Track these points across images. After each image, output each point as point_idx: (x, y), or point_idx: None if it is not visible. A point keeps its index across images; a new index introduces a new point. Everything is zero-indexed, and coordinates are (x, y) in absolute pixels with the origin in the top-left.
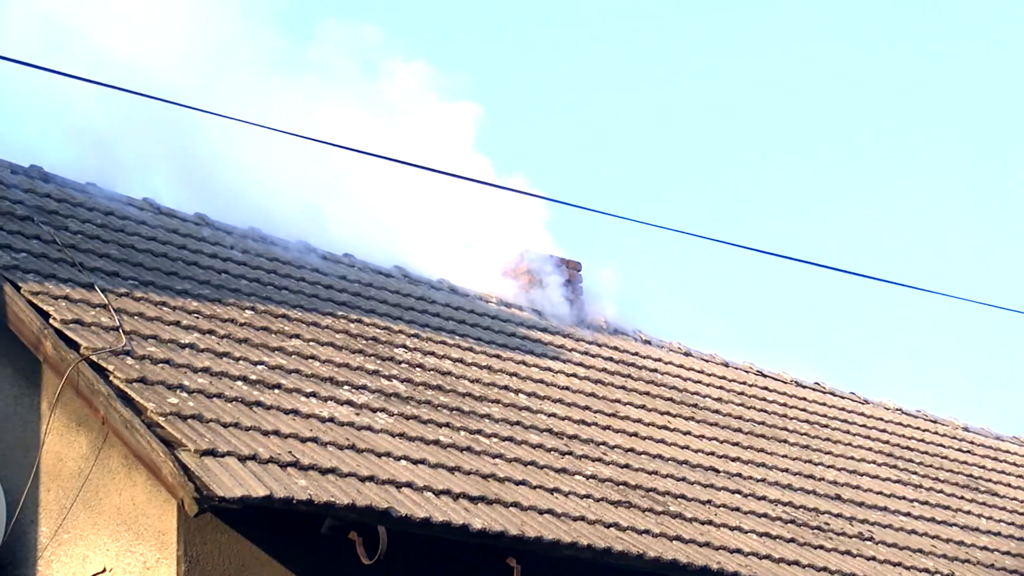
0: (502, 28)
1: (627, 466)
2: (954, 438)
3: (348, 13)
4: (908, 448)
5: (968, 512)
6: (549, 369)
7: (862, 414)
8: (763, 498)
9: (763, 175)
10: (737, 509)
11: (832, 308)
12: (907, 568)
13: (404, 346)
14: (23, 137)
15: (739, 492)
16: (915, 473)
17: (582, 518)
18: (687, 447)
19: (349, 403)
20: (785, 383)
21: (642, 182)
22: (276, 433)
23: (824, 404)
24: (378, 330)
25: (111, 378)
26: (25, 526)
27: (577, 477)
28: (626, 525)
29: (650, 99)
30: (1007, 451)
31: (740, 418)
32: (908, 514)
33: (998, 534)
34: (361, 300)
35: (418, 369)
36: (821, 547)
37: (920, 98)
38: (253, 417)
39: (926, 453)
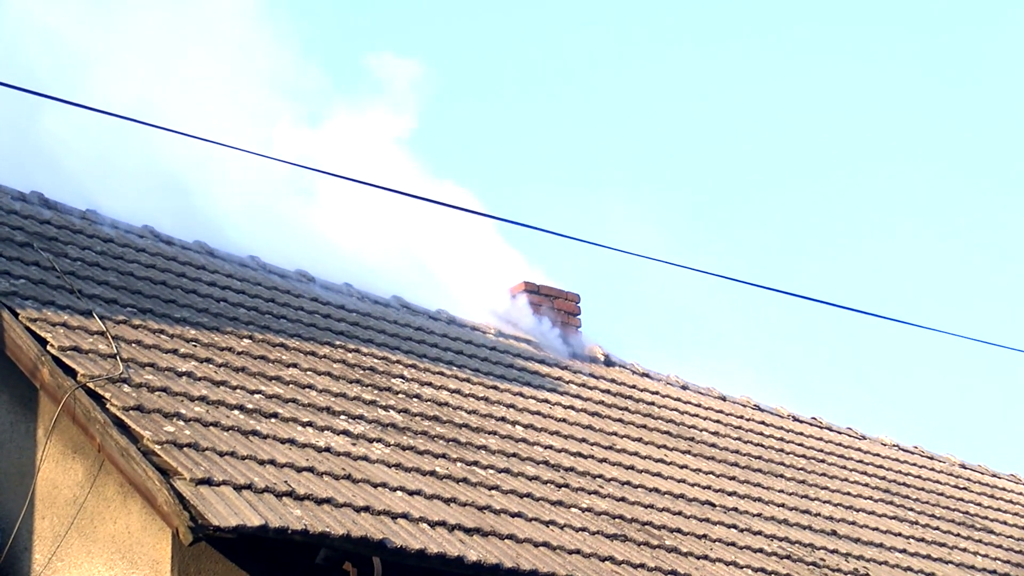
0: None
1: (623, 499)
2: (950, 475)
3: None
4: (904, 484)
5: (964, 549)
6: (546, 401)
7: (859, 449)
8: (759, 533)
9: (763, 207)
10: (732, 544)
11: (829, 343)
12: None
13: (401, 376)
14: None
15: (735, 527)
16: (911, 509)
17: (577, 551)
18: (683, 481)
19: (346, 433)
20: (782, 418)
21: (640, 214)
22: (272, 463)
23: (821, 439)
24: (376, 360)
25: (108, 406)
26: (19, 553)
27: (573, 510)
28: (621, 559)
29: (652, 129)
30: (1003, 489)
31: (737, 452)
32: (904, 550)
33: (993, 572)
34: (359, 330)
35: (415, 399)
36: None
37: (937, 136)
38: (249, 446)
39: (922, 489)
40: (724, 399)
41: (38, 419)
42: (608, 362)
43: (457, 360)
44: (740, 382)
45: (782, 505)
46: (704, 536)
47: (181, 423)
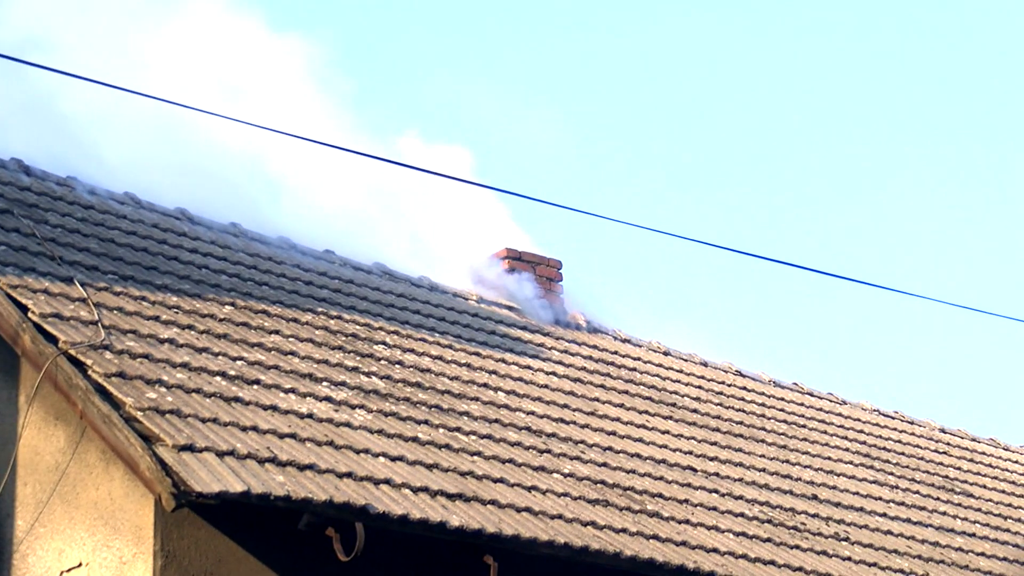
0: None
1: (605, 465)
2: (930, 439)
3: None
4: (885, 449)
5: (944, 513)
6: (528, 367)
7: (840, 415)
8: (740, 498)
9: (746, 175)
10: (714, 508)
11: (811, 309)
12: (882, 568)
13: (384, 343)
14: None
15: (716, 491)
16: (891, 474)
17: (559, 516)
18: (665, 446)
19: (328, 399)
20: (763, 383)
21: (623, 181)
22: (255, 429)
23: (802, 404)
24: (358, 327)
25: (89, 372)
26: (1, 519)
27: (555, 475)
28: (603, 524)
29: (637, 96)
30: (983, 453)
31: (718, 418)
32: (884, 515)
33: (973, 535)
34: (341, 297)
35: (397, 366)
36: (797, 547)
37: (915, 98)
38: (232, 413)
39: (902, 454)
40: (706, 365)
41: (19, 386)
42: (590, 328)
43: (439, 327)
44: (720, 347)
45: (763, 470)
46: (686, 501)
47: (163, 389)
